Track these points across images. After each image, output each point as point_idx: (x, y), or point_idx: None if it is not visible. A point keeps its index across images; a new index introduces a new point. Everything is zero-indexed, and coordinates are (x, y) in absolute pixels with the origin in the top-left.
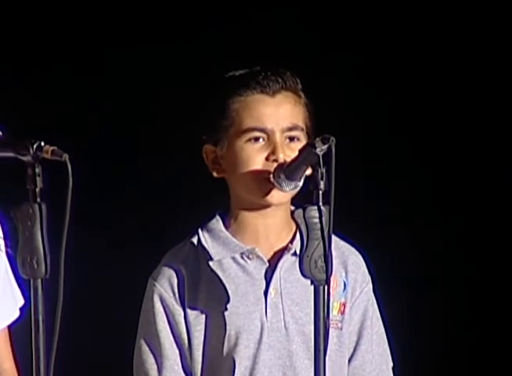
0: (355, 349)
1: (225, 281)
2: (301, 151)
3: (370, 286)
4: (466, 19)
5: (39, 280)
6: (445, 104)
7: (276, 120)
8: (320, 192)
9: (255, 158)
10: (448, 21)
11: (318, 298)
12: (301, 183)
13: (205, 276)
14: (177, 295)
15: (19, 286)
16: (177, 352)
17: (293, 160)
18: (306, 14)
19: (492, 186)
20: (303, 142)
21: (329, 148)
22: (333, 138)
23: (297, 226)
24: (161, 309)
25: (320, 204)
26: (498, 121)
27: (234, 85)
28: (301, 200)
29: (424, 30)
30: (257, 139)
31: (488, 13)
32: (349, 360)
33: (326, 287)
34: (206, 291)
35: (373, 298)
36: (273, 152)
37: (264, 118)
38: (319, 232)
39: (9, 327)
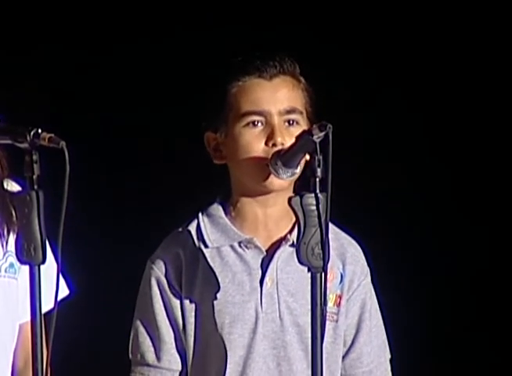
0: (353, 342)
1: (222, 269)
2: (298, 138)
3: (369, 278)
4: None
5: (37, 267)
6: (452, 99)
7: (274, 103)
8: (317, 179)
9: (254, 143)
10: (458, 16)
11: (315, 286)
12: (298, 170)
13: (203, 262)
14: (174, 279)
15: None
16: (173, 335)
17: (290, 147)
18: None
19: (491, 179)
20: (303, 126)
21: (327, 135)
22: (330, 125)
23: (295, 213)
24: (158, 292)
25: (317, 191)
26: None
27: (232, 71)
28: (299, 188)
29: (433, 26)
30: (255, 123)
31: (489, 10)
32: (347, 352)
33: (322, 275)
34: (203, 278)
35: (372, 290)
36: (271, 136)
37: (261, 102)
38: (316, 219)
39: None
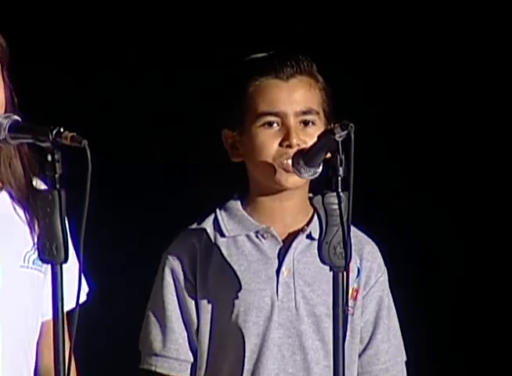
0: (370, 338)
1: (238, 258)
2: (319, 137)
3: (386, 276)
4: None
5: (58, 266)
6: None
7: (290, 104)
8: (339, 178)
9: (269, 144)
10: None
11: (337, 285)
12: (319, 170)
13: (218, 252)
14: (189, 270)
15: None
16: (183, 326)
17: (312, 147)
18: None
19: (502, 177)
20: (319, 126)
21: (349, 134)
22: (351, 124)
23: (316, 212)
24: (171, 282)
25: (339, 190)
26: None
27: (249, 70)
28: (317, 184)
29: (451, 26)
30: (271, 123)
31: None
32: (364, 349)
33: (344, 274)
34: (218, 267)
35: (389, 289)
36: (287, 137)
37: (277, 102)
38: (338, 218)
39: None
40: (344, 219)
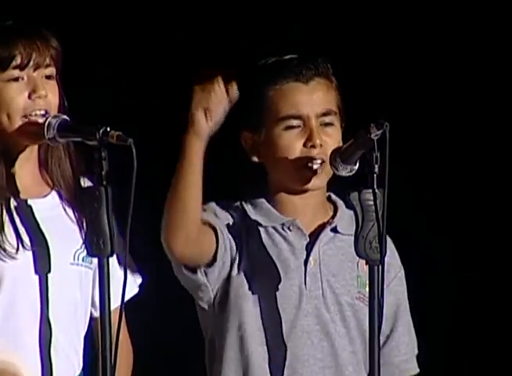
0: (391, 331)
1: (269, 246)
2: (356, 136)
3: (403, 273)
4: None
5: (105, 259)
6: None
7: (311, 106)
8: (375, 175)
9: (293, 145)
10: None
11: (373, 277)
12: (355, 167)
13: (256, 236)
14: (232, 228)
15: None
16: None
17: (349, 145)
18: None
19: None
20: (337, 126)
21: (384, 133)
22: (387, 123)
23: (352, 208)
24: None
25: (375, 187)
26: None
27: (269, 74)
28: (337, 185)
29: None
30: (293, 127)
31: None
32: (386, 341)
33: (380, 267)
34: (255, 250)
35: (405, 286)
36: (310, 138)
37: (299, 106)
38: (374, 214)
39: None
40: (380, 215)
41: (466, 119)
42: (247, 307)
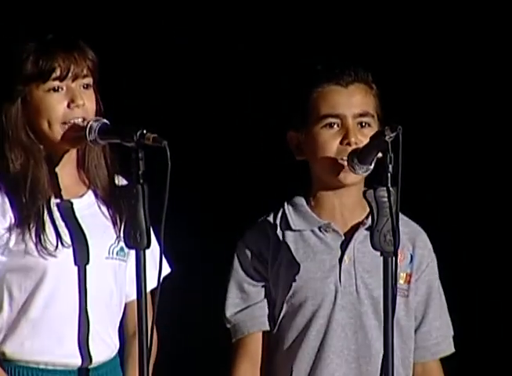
0: (423, 317)
1: (304, 250)
2: (372, 138)
3: (435, 262)
4: None
5: (142, 251)
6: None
7: (349, 107)
8: (389, 174)
9: (330, 143)
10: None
11: (387, 268)
12: (371, 167)
13: (287, 244)
14: (260, 257)
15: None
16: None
17: (365, 147)
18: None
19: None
20: (374, 128)
21: (397, 135)
22: (400, 126)
23: (368, 204)
24: (239, 270)
25: (389, 185)
26: None
27: (313, 78)
28: (372, 183)
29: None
30: (332, 125)
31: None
32: (418, 326)
33: (393, 258)
34: (287, 257)
35: (437, 273)
36: (346, 136)
37: (337, 106)
38: (388, 210)
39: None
40: (393, 211)
41: (474, 123)
42: (289, 309)
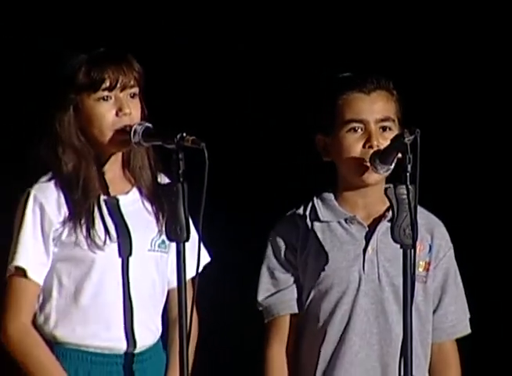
0: (439, 301)
1: (331, 240)
2: (392, 140)
3: (452, 251)
4: None
5: (182, 244)
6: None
7: (371, 113)
8: (408, 174)
9: (354, 146)
10: None
11: (406, 259)
12: (392, 167)
13: (315, 234)
14: (290, 245)
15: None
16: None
17: (386, 148)
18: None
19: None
20: (395, 131)
21: (416, 138)
22: (418, 129)
23: (389, 200)
24: (271, 257)
25: (408, 183)
26: None
27: (339, 87)
28: (392, 181)
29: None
30: (356, 129)
31: None
32: (435, 310)
33: (412, 250)
34: (316, 247)
35: (455, 261)
36: (368, 140)
37: (361, 112)
38: (407, 206)
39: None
40: (412, 207)
41: (488, 125)
42: (315, 292)
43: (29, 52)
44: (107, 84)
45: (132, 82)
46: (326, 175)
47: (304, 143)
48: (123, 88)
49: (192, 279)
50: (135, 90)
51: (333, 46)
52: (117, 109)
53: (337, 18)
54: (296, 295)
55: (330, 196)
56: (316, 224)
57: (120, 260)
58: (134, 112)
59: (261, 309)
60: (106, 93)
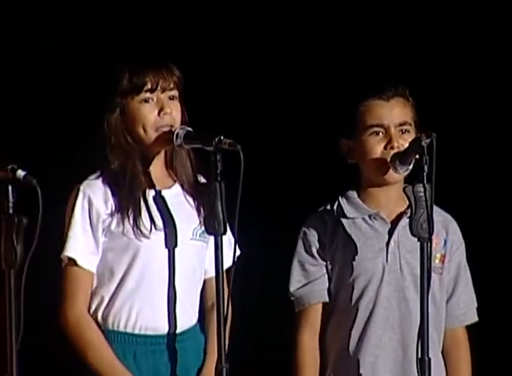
0: (453, 291)
1: (356, 234)
2: (410, 143)
3: (463, 246)
4: None
5: (219, 237)
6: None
7: (391, 118)
8: (425, 174)
9: (376, 148)
10: None
11: (423, 251)
12: (410, 167)
13: (342, 229)
14: (320, 239)
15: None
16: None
17: (405, 150)
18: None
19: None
20: (412, 133)
21: (432, 141)
22: (434, 133)
23: (408, 198)
24: (302, 251)
25: (425, 182)
26: None
27: (360, 95)
28: (411, 180)
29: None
30: (377, 133)
31: None
32: (448, 299)
33: (428, 243)
34: (343, 241)
35: (465, 255)
36: (389, 142)
37: (381, 117)
38: (424, 203)
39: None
40: (428, 204)
41: (500, 128)
42: (343, 282)
43: (29, 52)
44: (149, 86)
45: (172, 85)
46: (325, 176)
47: (303, 143)
48: (163, 91)
49: (227, 270)
50: (175, 93)
51: (333, 46)
52: (158, 109)
53: (337, 18)
54: (326, 285)
55: (354, 194)
56: (343, 220)
57: (163, 247)
58: (174, 112)
59: (292, 298)
60: (148, 95)
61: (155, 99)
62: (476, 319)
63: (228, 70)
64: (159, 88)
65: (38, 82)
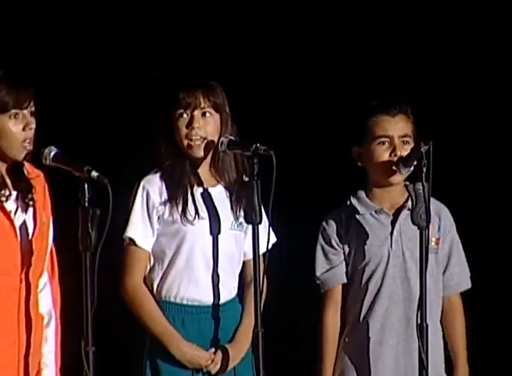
0: (447, 265)
1: (366, 226)
2: (412, 150)
3: (454, 228)
4: None
5: (256, 226)
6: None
7: (395, 131)
8: (423, 174)
9: (382, 155)
10: None
11: (421, 237)
12: (412, 168)
13: (356, 222)
14: (337, 231)
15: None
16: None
17: (408, 155)
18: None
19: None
20: (411, 144)
21: (429, 147)
22: (431, 142)
23: (409, 194)
24: (322, 242)
25: (423, 181)
26: None
27: (370, 111)
28: (411, 179)
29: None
30: (383, 142)
31: None
32: (444, 271)
33: (426, 231)
34: (356, 232)
35: (457, 235)
36: (393, 151)
37: (387, 129)
38: (423, 198)
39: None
40: (426, 199)
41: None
42: (355, 266)
43: (29, 52)
44: (183, 104)
45: (203, 105)
46: (325, 176)
47: (303, 143)
48: (194, 108)
49: (263, 254)
50: (208, 110)
51: (333, 46)
52: (186, 123)
53: (337, 18)
54: (344, 270)
55: (362, 193)
56: (355, 215)
57: (207, 234)
58: (204, 127)
59: (318, 282)
60: (181, 111)
61: (188, 115)
62: (469, 286)
63: (228, 70)
64: (191, 105)
65: (38, 82)
